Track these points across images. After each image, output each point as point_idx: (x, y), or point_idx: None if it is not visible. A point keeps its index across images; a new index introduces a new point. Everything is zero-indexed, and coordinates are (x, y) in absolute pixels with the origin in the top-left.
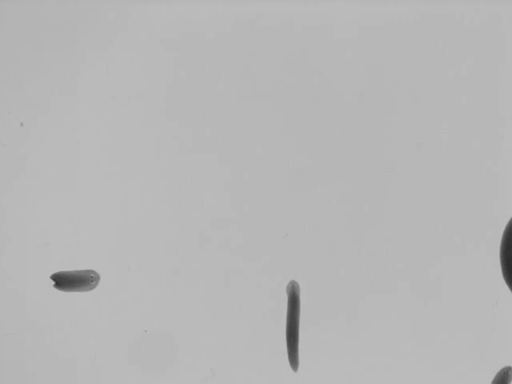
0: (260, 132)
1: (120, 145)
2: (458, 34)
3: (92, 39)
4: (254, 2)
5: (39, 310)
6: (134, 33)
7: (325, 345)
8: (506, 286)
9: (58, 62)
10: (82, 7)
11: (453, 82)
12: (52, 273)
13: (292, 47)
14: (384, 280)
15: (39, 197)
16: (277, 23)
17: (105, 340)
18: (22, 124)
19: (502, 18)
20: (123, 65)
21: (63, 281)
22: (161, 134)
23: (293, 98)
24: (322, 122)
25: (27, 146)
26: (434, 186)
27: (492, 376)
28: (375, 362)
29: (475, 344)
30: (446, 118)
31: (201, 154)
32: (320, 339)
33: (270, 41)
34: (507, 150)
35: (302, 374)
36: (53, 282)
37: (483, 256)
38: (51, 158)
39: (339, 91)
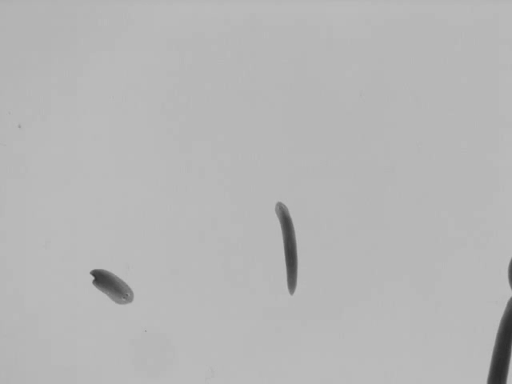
0: (260, 132)
1: (120, 145)
2: (458, 33)
3: (92, 39)
4: (254, 3)
5: (39, 309)
6: (135, 33)
7: (324, 344)
8: (505, 286)
9: (58, 62)
10: (82, 7)
11: (453, 82)
12: (51, 273)
13: (292, 47)
14: (384, 279)
15: (39, 197)
16: (277, 23)
17: (105, 340)
18: (19, 126)
19: (502, 18)
20: (123, 65)
21: (102, 279)
22: (161, 133)
23: (293, 98)
24: (322, 122)
25: (27, 145)
26: (434, 186)
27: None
28: (374, 361)
29: (475, 344)
30: (446, 118)
31: (201, 154)
32: (319, 338)
33: (270, 41)
34: (507, 149)
35: (301, 374)
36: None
37: (483, 255)
38: (51, 157)
39: (339, 91)
